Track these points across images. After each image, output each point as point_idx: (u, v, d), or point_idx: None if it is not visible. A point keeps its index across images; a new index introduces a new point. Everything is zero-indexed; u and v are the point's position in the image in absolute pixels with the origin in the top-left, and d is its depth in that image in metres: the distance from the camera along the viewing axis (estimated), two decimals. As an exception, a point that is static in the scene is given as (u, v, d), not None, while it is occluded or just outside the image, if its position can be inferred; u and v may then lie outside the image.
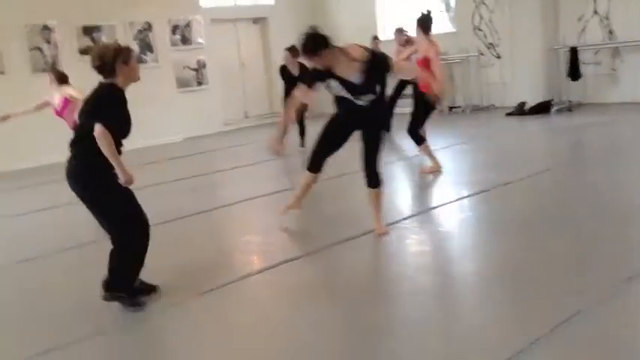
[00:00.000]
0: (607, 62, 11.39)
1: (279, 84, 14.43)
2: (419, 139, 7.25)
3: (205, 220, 6.22)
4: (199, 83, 13.33)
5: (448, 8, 13.39)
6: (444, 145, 8.80)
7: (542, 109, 11.25)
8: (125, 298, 3.95)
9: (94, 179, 3.81)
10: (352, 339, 3.41)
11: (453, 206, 5.87)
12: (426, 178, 7.19)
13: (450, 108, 12.90)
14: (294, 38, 5.05)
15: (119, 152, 3.81)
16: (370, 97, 4.76)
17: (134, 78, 3.92)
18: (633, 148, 7.79)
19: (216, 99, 13.38)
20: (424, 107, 7.09)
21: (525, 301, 3.60)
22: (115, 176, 3.79)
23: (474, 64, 12.61)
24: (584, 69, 11.36)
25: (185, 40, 13.12)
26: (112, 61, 3.79)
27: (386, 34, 13.86)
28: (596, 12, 11.33)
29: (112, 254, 3.93)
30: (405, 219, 5.52)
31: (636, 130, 8.96)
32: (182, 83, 13.00)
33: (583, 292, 3.62)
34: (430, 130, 7.67)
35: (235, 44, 14.09)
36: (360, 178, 5.08)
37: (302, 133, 10.09)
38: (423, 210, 5.88)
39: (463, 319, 3.53)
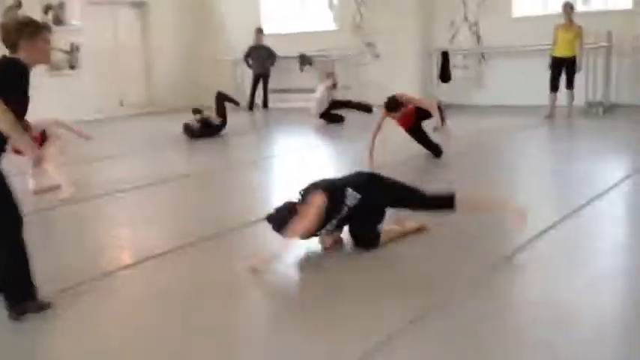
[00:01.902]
0: (474, 66, 12.13)
1: (159, 71, 14.30)
2: None
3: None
4: (72, 67, 12.79)
5: (331, 6, 13.68)
6: (318, 143, 8.99)
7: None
8: (32, 303, 3.59)
9: None
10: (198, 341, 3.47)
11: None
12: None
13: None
14: (177, 25, 4.88)
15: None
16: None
17: (40, 58, 3.62)
18: (498, 148, 8.38)
19: (89, 85, 12.85)
20: None
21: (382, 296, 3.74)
22: None
23: (353, 63, 12.97)
24: (454, 72, 12.02)
25: (58, 22, 12.54)
26: (15, 35, 3.52)
27: (271, 26, 13.96)
28: (466, 18, 12.02)
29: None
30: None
31: (502, 132, 9.59)
32: (52, 66, 12.37)
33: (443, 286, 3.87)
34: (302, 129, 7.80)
35: (112, 28, 13.62)
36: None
37: None
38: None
39: (318, 315, 3.53)
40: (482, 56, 12.05)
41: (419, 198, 4.47)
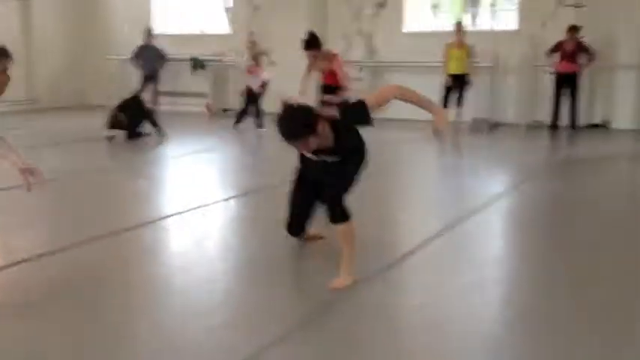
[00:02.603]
0: (368, 79, 12.25)
1: (41, 67, 13.59)
2: None
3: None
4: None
5: (227, 9, 13.46)
6: (209, 147, 8.80)
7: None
8: None
9: None
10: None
11: (219, 207, 5.88)
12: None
13: (223, 110, 13.03)
14: (62, 20, 4.64)
15: None
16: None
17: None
18: (385, 161, 8.44)
19: None
20: None
21: (268, 300, 3.69)
22: None
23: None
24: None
25: None
26: None
27: (162, 26, 13.57)
28: (360, 31, 12.14)
29: None
30: (165, 218, 5.40)
31: (390, 145, 9.69)
32: None
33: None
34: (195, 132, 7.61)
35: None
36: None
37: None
38: (187, 210, 5.79)
39: (201, 320, 3.47)
40: (377, 69, 12.20)
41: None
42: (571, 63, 9.81)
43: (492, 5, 11.64)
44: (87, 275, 3.87)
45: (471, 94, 10.72)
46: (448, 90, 10.29)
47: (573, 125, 10.02)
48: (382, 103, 4.03)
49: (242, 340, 3.18)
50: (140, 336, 3.28)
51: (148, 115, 9.56)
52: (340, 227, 3.88)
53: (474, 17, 11.07)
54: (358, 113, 3.91)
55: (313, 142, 3.65)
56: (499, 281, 4.10)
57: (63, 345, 3.12)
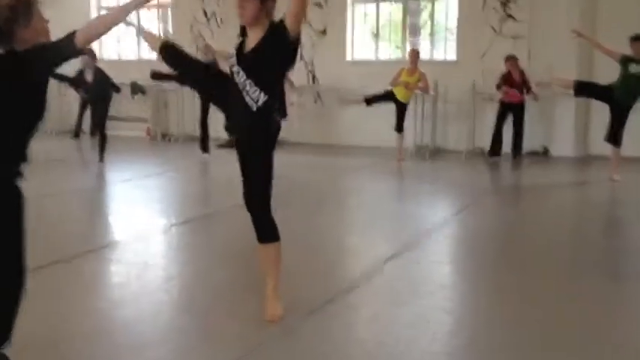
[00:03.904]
0: (310, 105, 12.27)
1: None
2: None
3: None
4: None
5: (166, 33, 13.30)
6: (150, 172, 8.60)
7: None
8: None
9: None
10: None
11: (160, 234, 5.71)
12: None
13: (163, 136, 12.81)
14: None
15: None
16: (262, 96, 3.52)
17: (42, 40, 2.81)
18: (330, 187, 8.43)
19: None
20: None
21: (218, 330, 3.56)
22: None
23: (189, 94, 12.59)
24: (289, 109, 12.05)
25: None
26: (6, 24, 2.72)
27: (99, 51, 13.25)
28: (302, 57, 12.17)
29: None
30: (103, 247, 5.20)
31: (335, 171, 9.69)
32: None
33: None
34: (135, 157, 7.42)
35: None
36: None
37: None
38: (127, 238, 5.60)
39: (143, 354, 3.34)
40: (318, 95, 12.23)
41: None
42: (519, 93, 10.01)
43: (431, 35, 11.87)
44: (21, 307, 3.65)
45: (412, 121, 10.85)
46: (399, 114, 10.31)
47: (515, 153, 10.22)
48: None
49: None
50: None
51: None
52: (271, 247, 3.73)
53: (413, 46, 11.22)
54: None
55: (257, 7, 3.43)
56: (445, 310, 4.06)
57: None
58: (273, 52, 3.48)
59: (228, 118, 3.97)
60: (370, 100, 10.26)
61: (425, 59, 10.98)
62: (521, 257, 5.20)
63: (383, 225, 6.42)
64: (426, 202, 7.42)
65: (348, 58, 12.12)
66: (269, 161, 3.64)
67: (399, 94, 10.14)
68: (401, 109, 10.23)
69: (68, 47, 2.75)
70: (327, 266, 4.89)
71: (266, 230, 3.69)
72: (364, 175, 9.45)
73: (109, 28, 2.84)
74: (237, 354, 3.28)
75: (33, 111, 2.83)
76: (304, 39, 11.82)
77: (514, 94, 9.99)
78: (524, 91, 10.04)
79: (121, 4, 3.12)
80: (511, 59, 10.04)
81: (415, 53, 10.26)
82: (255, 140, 3.62)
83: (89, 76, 9.57)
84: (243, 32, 3.59)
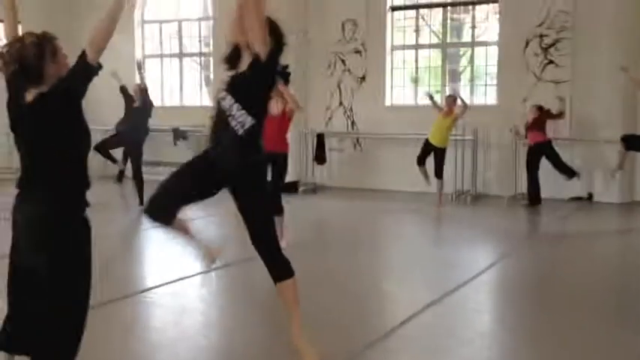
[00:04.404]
0: (350, 150, 12.32)
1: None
2: None
3: None
4: None
5: (207, 82, 13.60)
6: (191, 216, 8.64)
7: (289, 188, 11.70)
8: None
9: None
10: None
11: (199, 279, 5.73)
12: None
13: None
14: None
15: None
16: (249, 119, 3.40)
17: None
18: (369, 231, 8.36)
19: None
20: None
21: None
22: None
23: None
24: (330, 154, 12.14)
25: None
26: (38, 62, 2.80)
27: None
28: (341, 103, 12.29)
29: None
30: (142, 291, 5.23)
31: (374, 216, 9.65)
32: None
33: None
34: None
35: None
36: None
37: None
38: (165, 282, 5.62)
39: None
40: (357, 141, 12.27)
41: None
42: (536, 132, 9.90)
43: (471, 80, 11.87)
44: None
45: (453, 166, 10.78)
46: (423, 151, 10.27)
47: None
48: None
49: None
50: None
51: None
52: (290, 284, 3.50)
53: (451, 92, 11.22)
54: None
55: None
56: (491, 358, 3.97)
57: None
58: (259, 77, 3.40)
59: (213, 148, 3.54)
60: (420, 161, 10.28)
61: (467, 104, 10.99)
62: (562, 306, 5.05)
63: (422, 271, 6.33)
64: (466, 249, 7.30)
65: (387, 103, 12.18)
66: (266, 191, 3.53)
67: (434, 138, 10.14)
68: (438, 155, 10.20)
69: (85, 68, 2.80)
70: (366, 311, 4.84)
71: (281, 267, 3.51)
72: (404, 220, 9.38)
73: (113, 23, 2.83)
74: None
75: (80, 137, 2.91)
76: (344, 85, 12.16)
77: (531, 135, 9.89)
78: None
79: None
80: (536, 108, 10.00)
81: (451, 99, 10.27)
82: (247, 172, 3.44)
83: (138, 102, 9.81)
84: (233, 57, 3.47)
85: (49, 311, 2.84)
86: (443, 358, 3.92)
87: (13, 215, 2.88)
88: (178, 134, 12.91)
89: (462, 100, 10.20)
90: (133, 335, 4.33)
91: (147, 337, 4.33)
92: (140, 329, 4.53)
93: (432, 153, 10.23)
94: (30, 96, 2.81)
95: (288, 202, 10.62)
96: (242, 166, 3.43)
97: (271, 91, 3.58)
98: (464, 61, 12.17)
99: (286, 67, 6.87)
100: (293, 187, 11.74)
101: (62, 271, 2.80)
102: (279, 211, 6.70)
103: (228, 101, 3.39)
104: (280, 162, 6.75)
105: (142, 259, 6.95)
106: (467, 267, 6.29)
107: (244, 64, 3.43)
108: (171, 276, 5.77)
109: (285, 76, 6.37)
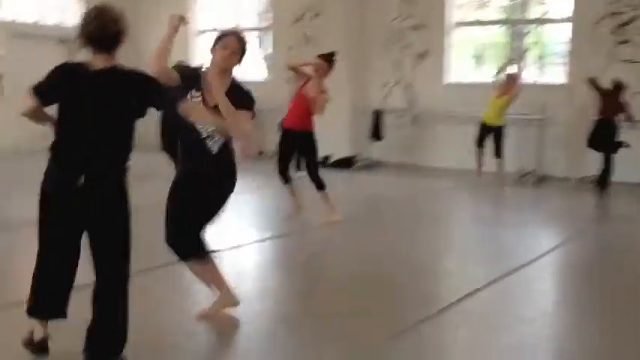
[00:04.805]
0: (407, 127, 12.11)
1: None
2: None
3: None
4: (-1, 94, 12.21)
5: (266, 56, 13.54)
6: (243, 189, 8.67)
7: (345, 163, 11.64)
8: None
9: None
10: None
11: (250, 247, 5.73)
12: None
13: (259, 153, 12.96)
14: None
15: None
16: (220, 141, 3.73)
17: None
18: (427, 208, 8.23)
19: (11, 116, 12.06)
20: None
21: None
22: None
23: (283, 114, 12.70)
24: (387, 131, 11.97)
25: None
26: (122, 28, 3.00)
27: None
28: (400, 80, 12.06)
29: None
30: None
31: (431, 193, 9.49)
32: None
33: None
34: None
35: (37, 56, 12.95)
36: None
37: None
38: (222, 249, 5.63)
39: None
40: (415, 118, 12.06)
41: None
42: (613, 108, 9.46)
43: (540, 58, 11.47)
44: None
45: (515, 146, 10.49)
46: (481, 134, 10.14)
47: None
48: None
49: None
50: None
51: None
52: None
53: (520, 69, 10.85)
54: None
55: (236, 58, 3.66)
56: (545, 340, 3.84)
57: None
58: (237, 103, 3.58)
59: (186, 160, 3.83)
60: (479, 142, 10.17)
61: (532, 83, 10.67)
62: (626, 289, 4.86)
63: (482, 249, 6.18)
64: (529, 230, 7.07)
65: (447, 80, 11.91)
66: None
67: (488, 118, 9.96)
68: (495, 134, 10.01)
69: (173, 106, 3.16)
70: (424, 285, 4.78)
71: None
72: (462, 199, 9.21)
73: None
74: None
75: (140, 116, 3.08)
76: (403, 62, 11.90)
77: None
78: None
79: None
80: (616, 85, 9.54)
81: (511, 77, 10.02)
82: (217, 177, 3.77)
83: None
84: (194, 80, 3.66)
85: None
86: (502, 334, 3.81)
87: None
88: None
89: (516, 81, 9.92)
90: (191, 299, 4.35)
91: (204, 302, 4.33)
92: (198, 292, 4.53)
93: (490, 133, 10.02)
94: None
95: (344, 178, 10.66)
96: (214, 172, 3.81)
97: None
98: (531, 39, 11.72)
99: (332, 54, 6.86)
100: (349, 163, 11.66)
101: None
102: (321, 186, 6.77)
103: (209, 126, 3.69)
104: (305, 141, 6.79)
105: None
106: (529, 248, 6.10)
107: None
108: (229, 243, 5.77)
109: (331, 59, 6.39)
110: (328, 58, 6.85)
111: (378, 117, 11.92)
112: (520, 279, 5.03)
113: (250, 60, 13.67)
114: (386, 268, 5.18)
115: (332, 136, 12.00)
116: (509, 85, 9.93)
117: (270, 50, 13.43)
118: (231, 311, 3.96)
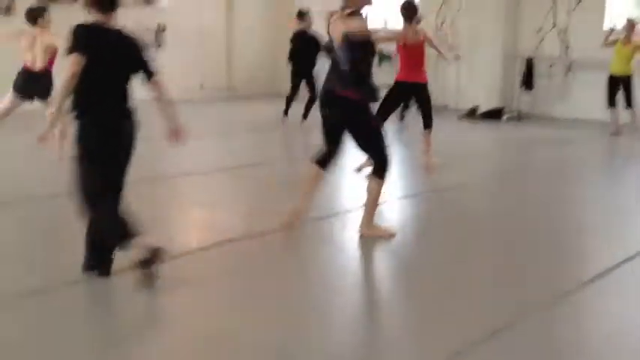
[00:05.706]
0: (560, 77, 11.67)
1: (241, 55, 14.16)
2: None
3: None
4: (159, 46, 12.86)
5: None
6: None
7: (494, 115, 11.49)
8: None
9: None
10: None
11: (395, 204, 5.98)
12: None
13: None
14: (263, 5, 4.91)
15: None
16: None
17: None
18: (575, 164, 8.06)
19: (173, 66, 12.78)
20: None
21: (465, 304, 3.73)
22: None
23: (433, 63, 12.60)
24: (538, 80, 11.63)
25: (147, 1, 12.70)
26: None
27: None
28: (555, 25, 11.55)
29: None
30: (347, 211, 5.59)
31: (581, 147, 9.22)
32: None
33: (522, 302, 3.77)
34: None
35: (198, 9, 13.54)
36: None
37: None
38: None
39: (396, 320, 3.63)
40: (569, 67, 11.58)
41: None
42: None
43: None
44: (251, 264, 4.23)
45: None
46: (611, 90, 9.88)
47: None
48: None
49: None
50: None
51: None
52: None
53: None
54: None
55: None
56: None
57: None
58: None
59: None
60: (610, 101, 9.96)
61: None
62: None
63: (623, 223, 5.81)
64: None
65: (607, 27, 11.25)
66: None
67: (615, 69, 9.63)
68: (624, 85, 9.70)
69: (151, 71, 3.81)
70: (578, 248, 4.82)
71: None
72: (613, 153, 8.86)
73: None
74: (454, 346, 3.26)
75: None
76: (558, 6, 11.33)
77: None
78: None
79: None
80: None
81: (630, 23, 9.54)
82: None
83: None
84: None
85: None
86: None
87: None
88: (382, 57, 12.92)
89: (634, 27, 9.54)
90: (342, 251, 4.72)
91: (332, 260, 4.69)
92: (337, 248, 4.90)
93: (619, 87, 9.72)
94: None
95: (491, 129, 10.54)
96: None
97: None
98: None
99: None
100: (497, 114, 11.51)
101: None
102: (429, 125, 7.15)
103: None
104: (419, 92, 7.07)
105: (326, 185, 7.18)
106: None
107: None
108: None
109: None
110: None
111: (529, 65, 11.60)
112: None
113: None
114: (542, 225, 5.31)
115: (479, 85, 11.86)
116: (630, 31, 9.57)
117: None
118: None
